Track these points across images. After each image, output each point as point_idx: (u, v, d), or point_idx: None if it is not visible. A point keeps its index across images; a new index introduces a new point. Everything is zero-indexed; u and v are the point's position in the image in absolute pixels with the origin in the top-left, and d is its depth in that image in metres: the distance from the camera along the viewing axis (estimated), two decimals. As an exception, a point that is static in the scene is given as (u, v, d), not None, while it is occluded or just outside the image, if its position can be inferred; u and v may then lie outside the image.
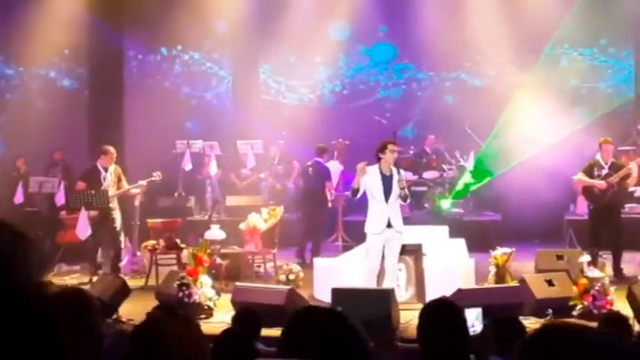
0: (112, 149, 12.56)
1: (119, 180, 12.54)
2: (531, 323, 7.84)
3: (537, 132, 15.78)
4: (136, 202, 13.44)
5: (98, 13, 16.11)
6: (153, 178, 12.90)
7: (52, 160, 16.13)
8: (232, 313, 8.42)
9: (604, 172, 11.79)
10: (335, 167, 14.90)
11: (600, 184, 11.72)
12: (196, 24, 17.51)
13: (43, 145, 16.07)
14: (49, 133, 16.11)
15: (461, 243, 11.46)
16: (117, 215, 12.34)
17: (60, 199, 13.06)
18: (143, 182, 12.83)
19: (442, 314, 3.94)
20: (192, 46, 18.70)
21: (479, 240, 12.32)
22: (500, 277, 10.17)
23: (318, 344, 2.47)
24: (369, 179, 9.65)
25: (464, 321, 3.94)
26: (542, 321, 8.27)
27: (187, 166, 15.01)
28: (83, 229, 11.90)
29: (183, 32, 17.57)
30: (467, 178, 16.05)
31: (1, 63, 18.08)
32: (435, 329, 3.85)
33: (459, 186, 16.06)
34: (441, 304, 4.14)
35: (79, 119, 16.61)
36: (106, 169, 12.44)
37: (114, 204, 12.34)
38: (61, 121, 16.43)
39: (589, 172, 11.88)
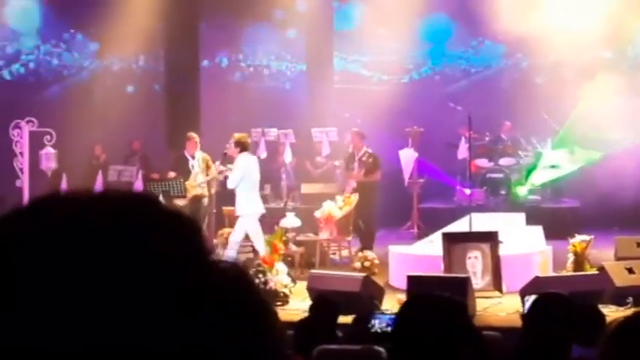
0: (194, 135, 12.76)
1: (208, 167, 12.72)
2: (611, 312, 7.71)
3: (619, 115, 15.37)
4: (212, 190, 13.59)
5: (176, 2, 16.32)
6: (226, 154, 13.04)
7: (131, 150, 16.44)
8: (308, 300, 8.48)
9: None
10: (409, 154, 14.83)
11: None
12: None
13: (122, 134, 16.36)
14: (128, 123, 16.39)
15: (538, 230, 11.33)
16: (207, 202, 12.52)
17: (138, 188, 13.30)
18: (230, 166, 13.01)
19: (554, 306, 3.92)
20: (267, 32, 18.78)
21: (556, 227, 12.12)
22: (578, 265, 10.02)
23: (434, 332, 2.48)
24: (254, 168, 10.94)
25: (572, 314, 3.92)
26: (622, 309, 8.11)
27: (262, 154, 15.10)
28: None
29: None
30: (549, 164, 15.75)
31: (85, 52, 18.43)
32: (546, 321, 3.81)
33: (543, 173, 15.74)
34: (554, 296, 4.13)
35: (157, 109, 16.87)
36: (193, 157, 12.64)
37: (204, 191, 12.51)
38: (140, 111, 16.69)
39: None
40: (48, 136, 13.85)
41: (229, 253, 10.91)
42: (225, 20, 18.24)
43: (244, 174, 11.11)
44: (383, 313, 7.84)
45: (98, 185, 14.41)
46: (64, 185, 14.11)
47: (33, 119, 13.86)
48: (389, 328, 7.00)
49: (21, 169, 13.81)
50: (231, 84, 18.66)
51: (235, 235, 11.16)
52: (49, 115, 14.41)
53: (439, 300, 2.70)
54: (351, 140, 14.04)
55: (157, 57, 18.02)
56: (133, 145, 16.44)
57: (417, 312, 2.63)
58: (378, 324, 7.23)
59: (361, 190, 12.94)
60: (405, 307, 2.74)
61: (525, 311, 7.65)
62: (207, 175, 12.57)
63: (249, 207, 11.06)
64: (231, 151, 11.37)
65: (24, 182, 13.76)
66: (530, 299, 7.34)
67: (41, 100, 16.90)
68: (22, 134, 13.76)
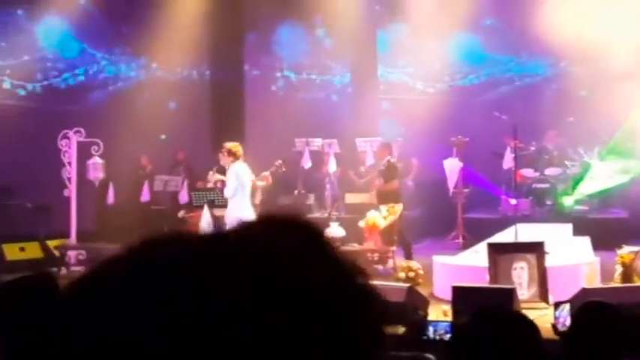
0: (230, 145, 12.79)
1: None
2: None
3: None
4: (257, 200, 13.63)
5: (221, 13, 16.47)
6: (275, 168, 13.10)
7: (175, 160, 16.57)
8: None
9: None
10: (454, 164, 14.76)
11: None
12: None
13: (167, 144, 16.51)
14: (173, 133, 16.54)
15: (585, 241, 11.18)
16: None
17: (183, 197, 13.42)
18: (266, 173, 13.06)
19: (601, 316, 3.86)
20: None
21: (604, 238, 11.93)
22: (626, 276, 9.87)
23: (502, 346, 2.47)
24: (246, 175, 11.24)
25: (622, 324, 3.86)
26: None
27: (307, 164, 15.15)
28: (207, 227, 12.15)
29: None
30: (596, 175, 15.57)
31: (132, 63, 18.64)
32: (593, 331, 3.76)
33: (591, 184, 15.55)
34: (600, 305, 4.07)
35: (202, 120, 17.00)
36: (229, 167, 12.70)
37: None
38: (185, 122, 16.83)
39: None
40: (95, 147, 14.04)
41: None
42: (269, 31, 18.35)
43: (239, 183, 11.31)
44: (438, 321, 7.81)
45: (145, 195, 14.59)
46: (110, 195, 14.29)
47: (81, 130, 14.07)
48: (447, 335, 6.98)
49: (69, 179, 14.01)
50: (275, 94, 18.75)
51: None
52: (96, 125, 14.60)
53: (511, 317, 2.68)
54: (377, 150, 14.11)
55: (202, 68, 18.18)
56: (178, 155, 16.57)
57: (488, 326, 2.61)
58: (433, 331, 7.22)
59: (382, 198, 13.02)
60: (474, 320, 2.71)
61: (555, 321, 7.58)
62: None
63: (239, 212, 11.20)
64: (224, 161, 11.49)
65: (71, 192, 13.97)
66: (565, 309, 7.28)
67: (89, 111, 17.13)
68: (70, 144, 13.97)
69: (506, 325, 2.60)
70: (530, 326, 2.68)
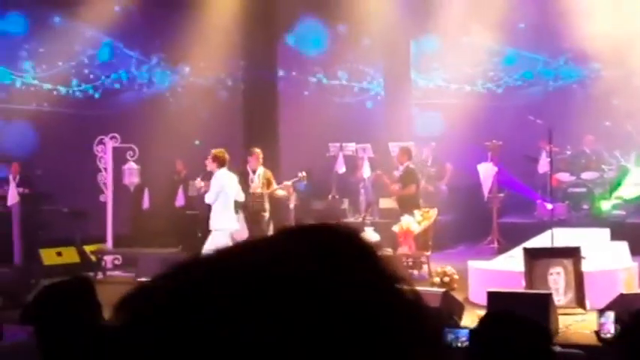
0: (257, 150, 12.86)
1: (269, 183, 12.81)
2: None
3: None
4: (291, 205, 13.67)
5: (254, 18, 16.54)
6: (297, 179, 13.13)
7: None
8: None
9: None
10: (489, 168, 14.67)
11: None
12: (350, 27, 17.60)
13: (202, 150, 16.56)
14: (207, 139, 16.59)
15: (623, 246, 11.05)
16: (267, 218, 12.60)
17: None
18: (288, 182, 13.08)
19: None
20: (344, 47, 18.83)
21: (642, 243, 11.80)
22: (666, 282, 9.74)
23: (515, 353, 2.46)
24: (230, 184, 11.27)
25: None
26: None
27: (341, 168, 15.15)
28: (239, 233, 12.18)
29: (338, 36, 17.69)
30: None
31: (167, 69, 18.76)
32: None
33: (632, 188, 15.37)
34: None
35: (236, 125, 17.05)
36: (254, 171, 12.75)
37: (264, 206, 12.59)
38: (218, 127, 16.88)
39: None
40: (131, 152, 14.14)
41: None
42: (302, 36, 18.38)
43: (221, 190, 11.24)
44: (460, 328, 7.74)
45: (179, 200, 14.67)
46: (146, 200, 14.39)
47: (116, 135, 14.17)
48: (465, 344, 6.91)
49: (105, 184, 14.12)
50: (308, 99, 18.77)
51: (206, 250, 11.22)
52: (131, 131, 14.70)
53: (522, 321, 2.66)
54: (397, 155, 14.11)
55: (236, 73, 18.23)
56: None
57: (497, 330, 2.59)
58: (453, 339, 7.16)
59: (400, 204, 13.13)
60: (483, 324, 2.70)
61: (599, 328, 7.49)
62: (266, 190, 12.72)
63: (222, 222, 11.23)
64: (210, 167, 11.45)
65: (107, 197, 14.08)
66: (610, 316, 7.19)
67: (124, 117, 17.27)
68: (105, 150, 14.08)
69: (515, 328, 2.58)
70: (542, 331, 2.66)
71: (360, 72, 19.27)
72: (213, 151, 11.59)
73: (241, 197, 11.78)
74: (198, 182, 12.03)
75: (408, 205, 13.01)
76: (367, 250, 0.88)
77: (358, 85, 19.28)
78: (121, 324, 0.82)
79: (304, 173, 13.28)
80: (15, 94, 17.35)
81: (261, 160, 12.90)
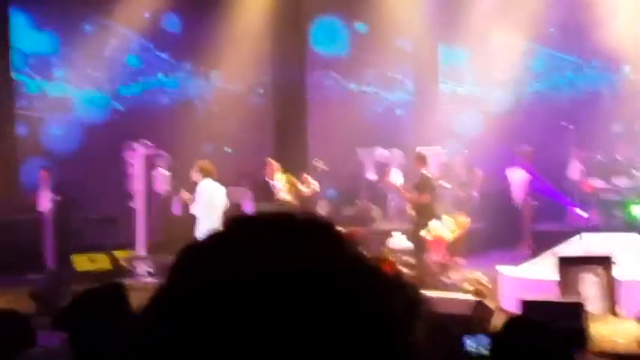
0: (270, 160, 13.25)
1: (292, 185, 12.96)
2: None
3: None
4: (321, 211, 13.65)
5: (282, 25, 16.60)
6: (315, 169, 13.28)
7: (240, 172, 16.66)
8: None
9: None
10: (519, 174, 14.58)
11: None
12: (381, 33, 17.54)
13: (232, 156, 16.63)
14: (238, 145, 16.66)
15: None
16: None
17: (248, 209, 13.50)
18: (307, 176, 13.23)
19: None
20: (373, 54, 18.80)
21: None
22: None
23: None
24: (217, 194, 11.21)
25: None
26: None
27: (370, 174, 15.13)
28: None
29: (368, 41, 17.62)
30: None
31: (196, 74, 18.85)
32: None
33: None
34: None
35: (266, 131, 17.08)
36: (272, 179, 12.91)
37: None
38: (249, 134, 16.92)
39: None
40: (161, 158, 14.19)
41: None
42: (331, 43, 18.40)
43: (209, 200, 11.18)
44: (481, 333, 7.67)
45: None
46: (176, 207, 14.44)
47: (147, 142, 14.24)
48: (486, 351, 6.86)
49: (135, 191, 14.19)
50: (338, 105, 18.74)
51: None
52: (162, 137, 14.77)
53: (541, 327, 2.64)
54: (413, 162, 14.06)
55: (265, 79, 18.25)
56: (243, 167, 16.67)
57: (518, 336, 2.58)
58: (472, 345, 7.11)
59: (416, 210, 13.05)
60: (505, 331, 2.69)
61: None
62: (291, 192, 12.86)
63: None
64: (195, 177, 11.44)
65: (138, 203, 14.14)
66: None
67: (155, 123, 17.38)
68: (136, 156, 14.15)
69: (536, 335, 2.57)
70: (560, 339, 2.64)
71: (388, 77, 19.22)
72: (199, 162, 11.65)
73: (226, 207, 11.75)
74: (183, 193, 11.94)
75: (423, 212, 12.93)
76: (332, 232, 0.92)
77: (388, 91, 19.23)
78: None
79: (318, 159, 13.39)
80: (46, 101, 17.51)
81: (277, 168, 13.05)
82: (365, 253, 0.92)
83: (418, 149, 15.50)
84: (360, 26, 18.41)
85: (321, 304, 0.83)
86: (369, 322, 0.84)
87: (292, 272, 0.84)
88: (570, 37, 18.03)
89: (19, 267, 13.98)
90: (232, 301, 0.82)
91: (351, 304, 0.84)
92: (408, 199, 13.49)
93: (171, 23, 17.82)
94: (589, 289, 9.67)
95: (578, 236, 10.92)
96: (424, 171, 13.27)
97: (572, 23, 17.41)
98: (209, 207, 11.15)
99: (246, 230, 0.90)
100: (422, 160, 13.50)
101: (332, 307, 0.83)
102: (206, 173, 11.32)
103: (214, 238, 0.92)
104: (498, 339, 2.68)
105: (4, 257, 14.53)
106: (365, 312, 0.84)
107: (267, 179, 13.16)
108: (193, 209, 11.30)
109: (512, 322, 2.72)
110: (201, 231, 11.16)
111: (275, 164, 13.20)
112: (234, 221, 0.93)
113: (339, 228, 0.93)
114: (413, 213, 13.06)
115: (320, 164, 13.31)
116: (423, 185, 13.14)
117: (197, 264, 0.90)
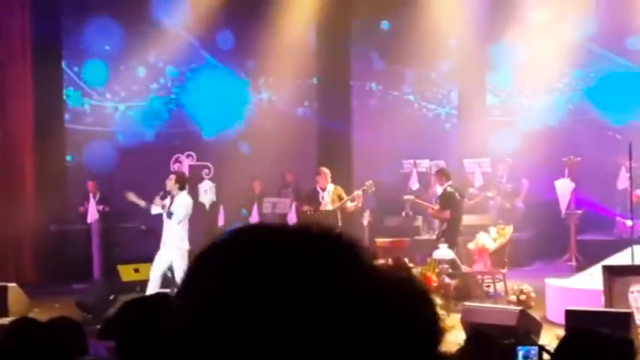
0: (324, 169, 13.19)
1: (340, 198, 13.01)
2: None
3: None
4: (365, 222, 13.65)
5: (325, 36, 16.68)
6: (365, 188, 13.29)
7: (284, 182, 16.73)
8: (461, 332, 8.36)
9: None
10: (566, 185, 14.44)
11: None
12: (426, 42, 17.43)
13: (276, 166, 16.67)
14: (282, 155, 16.69)
15: None
16: None
17: (292, 219, 13.55)
18: (359, 192, 13.22)
19: None
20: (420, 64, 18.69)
21: None
22: None
23: None
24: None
25: None
26: None
27: (414, 185, 15.09)
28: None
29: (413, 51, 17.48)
30: None
31: (242, 86, 18.96)
32: None
33: None
34: None
35: (310, 141, 17.11)
36: (323, 189, 12.94)
37: (334, 223, 12.68)
38: (293, 143, 16.95)
39: None
40: (206, 170, 14.32)
41: (152, 287, 11.18)
42: (373, 49, 18.40)
43: (188, 211, 11.48)
44: (530, 344, 7.60)
45: (254, 217, 14.78)
46: (221, 217, 14.55)
47: (192, 153, 14.38)
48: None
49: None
50: (382, 114, 18.68)
51: (156, 272, 11.45)
52: (206, 149, 14.89)
53: (603, 338, 2.62)
54: (434, 177, 14.03)
55: (310, 90, 18.28)
56: (287, 177, 16.74)
57: (579, 349, 2.55)
58: (523, 357, 7.04)
59: (446, 225, 13.03)
60: (565, 343, 2.66)
61: None
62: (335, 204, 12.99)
63: (184, 243, 11.29)
64: (170, 186, 11.57)
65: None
66: None
67: (200, 135, 17.52)
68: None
69: (598, 347, 2.54)
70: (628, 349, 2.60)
71: (434, 87, 19.07)
72: (178, 173, 12.11)
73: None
74: (158, 201, 12.06)
75: (447, 228, 12.87)
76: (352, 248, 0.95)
77: (432, 101, 19.12)
78: None
79: (371, 182, 13.44)
80: (92, 114, 17.74)
81: (329, 179, 13.20)
82: (389, 264, 0.94)
83: (465, 161, 15.43)
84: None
85: (335, 320, 0.85)
86: (383, 337, 0.86)
87: (309, 290, 0.87)
88: (617, 45, 17.79)
89: (67, 277, 14.20)
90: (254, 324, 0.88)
91: (365, 317, 0.86)
92: (431, 215, 13.54)
93: (216, 33, 17.95)
94: (637, 299, 9.54)
95: (629, 248, 10.77)
96: (447, 186, 13.20)
97: (621, 30, 17.17)
98: (187, 218, 11.45)
99: (254, 243, 0.96)
100: (443, 175, 13.45)
101: (345, 323, 0.85)
102: (182, 184, 11.60)
103: (227, 251, 0.98)
104: (560, 351, 2.65)
105: (52, 267, 14.77)
106: (382, 326, 0.86)
107: (318, 188, 13.26)
108: (176, 220, 11.46)
109: (573, 333, 2.69)
110: (179, 239, 11.36)
111: (328, 173, 13.33)
112: (247, 232, 0.99)
113: (361, 240, 0.96)
114: (443, 227, 13.04)
115: (370, 186, 13.37)
116: (444, 201, 13.09)
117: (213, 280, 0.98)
